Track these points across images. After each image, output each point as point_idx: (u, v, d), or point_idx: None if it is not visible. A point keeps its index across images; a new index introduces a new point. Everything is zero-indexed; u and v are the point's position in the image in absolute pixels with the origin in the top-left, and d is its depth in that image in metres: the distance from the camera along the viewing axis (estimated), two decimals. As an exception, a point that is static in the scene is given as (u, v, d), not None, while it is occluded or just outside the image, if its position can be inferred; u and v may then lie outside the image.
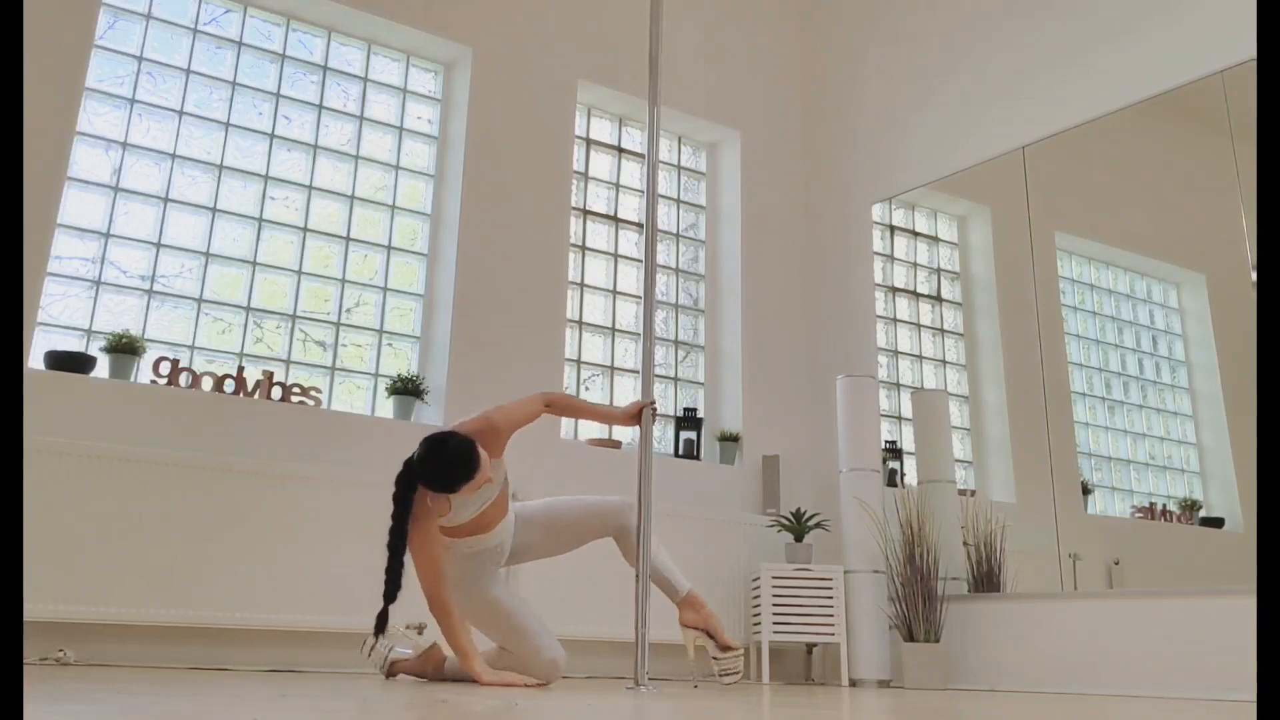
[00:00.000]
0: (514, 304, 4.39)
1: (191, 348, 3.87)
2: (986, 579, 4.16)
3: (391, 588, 2.66)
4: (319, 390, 3.94)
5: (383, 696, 2.10)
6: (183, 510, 3.36)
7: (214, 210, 4.00)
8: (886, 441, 4.73)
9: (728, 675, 2.98)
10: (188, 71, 4.06)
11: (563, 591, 4.01)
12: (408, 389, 4.07)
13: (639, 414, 3.00)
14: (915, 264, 4.95)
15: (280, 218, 4.16)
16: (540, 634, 2.88)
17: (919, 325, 4.86)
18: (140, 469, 3.33)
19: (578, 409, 3.20)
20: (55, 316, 3.64)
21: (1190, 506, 3.73)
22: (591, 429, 4.67)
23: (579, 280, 4.81)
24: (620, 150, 5.13)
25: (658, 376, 4.95)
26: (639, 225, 5.03)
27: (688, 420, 4.84)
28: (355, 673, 3.49)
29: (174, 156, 3.96)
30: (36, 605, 3.06)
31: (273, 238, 4.13)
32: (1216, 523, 3.64)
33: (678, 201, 5.30)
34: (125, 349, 3.57)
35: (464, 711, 1.72)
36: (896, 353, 4.88)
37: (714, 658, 2.99)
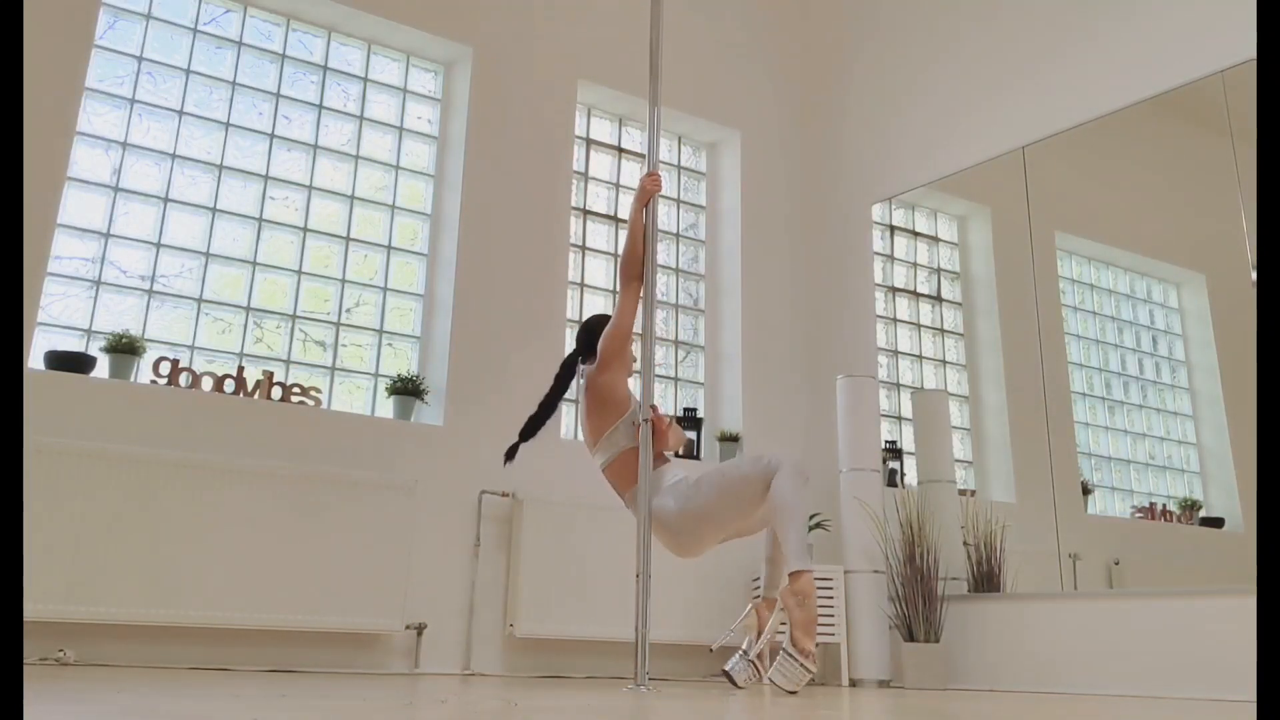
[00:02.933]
0: (514, 304, 4.39)
1: (191, 348, 3.87)
2: (986, 579, 4.16)
3: (529, 429, 3.04)
4: (319, 390, 3.94)
5: (382, 696, 2.10)
6: (183, 510, 3.36)
7: (214, 210, 4.00)
8: (886, 441, 4.73)
9: (783, 677, 2.79)
10: (188, 71, 4.06)
11: (563, 591, 4.02)
12: (408, 389, 4.07)
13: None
14: (915, 264, 4.95)
15: (280, 218, 4.16)
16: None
17: (919, 325, 4.86)
18: (140, 469, 3.33)
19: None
20: (55, 316, 3.64)
21: (1190, 506, 3.73)
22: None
23: (579, 280, 4.81)
24: (620, 150, 5.13)
25: (658, 376, 4.94)
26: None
27: (688, 420, 4.84)
28: (354, 673, 3.49)
29: (174, 156, 3.96)
30: (36, 605, 3.06)
31: (273, 238, 4.13)
32: (1216, 523, 3.64)
33: (678, 201, 5.30)
34: (125, 349, 3.57)
35: (464, 711, 1.72)
36: (896, 353, 4.88)
37: (784, 649, 2.82)
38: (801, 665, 2.74)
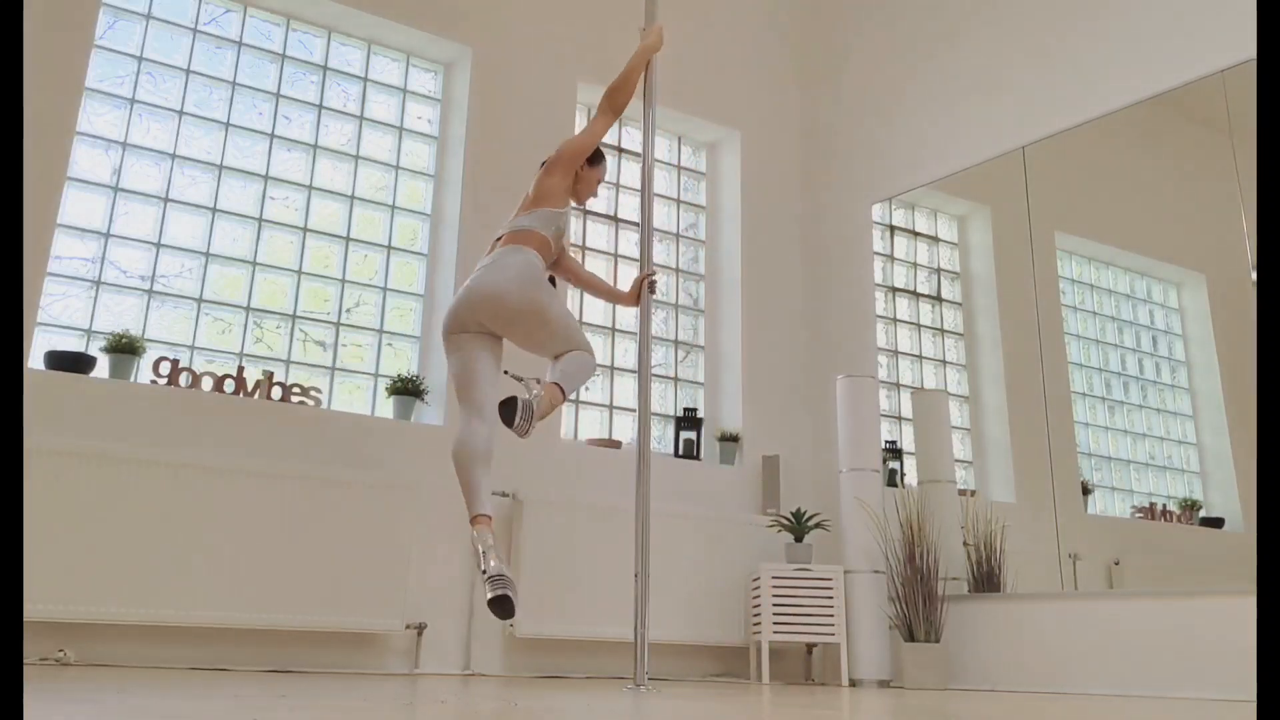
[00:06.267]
0: (514, 304, 4.38)
1: (191, 348, 3.87)
2: (986, 579, 4.16)
3: None
4: (319, 390, 3.94)
5: (382, 697, 2.10)
6: (183, 510, 3.36)
7: (214, 210, 4.00)
8: (886, 441, 4.73)
9: (520, 419, 2.90)
10: (188, 71, 4.06)
11: (563, 591, 4.01)
12: (408, 389, 4.07)
13: (638, 291, 3.21)
14: (915, 264, 4.95)
15: (280, 218, 4.16)
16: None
17: (919, 325, 4.86)
18: (140, 469, 3.33)
19: (577, 274, 3.41)
20: (55, 316, 3.64)
21: (1190, 506, 3.73)
22: (592, 429, 4.67)
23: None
24: (620, 150, 5.13)
25: (657, 376, 4.95)
26: (639, 225, 5.03)
27: (688, 420, 4.84)
28: (354, 673, 3.49)
29: (174, 156, 3.96)
30: (36, 605, 3.06)
31: (273, 238, 4.13)
32: (1216, 523, 3.64)
33: (678, 201, 5.30)
34: (125, 349, 3.57)
35: (464, 712, 1.72)
36: (896, 353, 4.88)
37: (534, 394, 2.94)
38: (534, 401, 2.89)
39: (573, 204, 3.33)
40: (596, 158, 3.29)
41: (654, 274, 3.22)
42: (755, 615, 4.26)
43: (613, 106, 3.22)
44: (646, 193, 3.15)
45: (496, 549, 2.80)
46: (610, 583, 4.08)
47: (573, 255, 3.37)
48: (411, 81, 4.61)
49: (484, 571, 2.74)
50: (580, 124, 5.01)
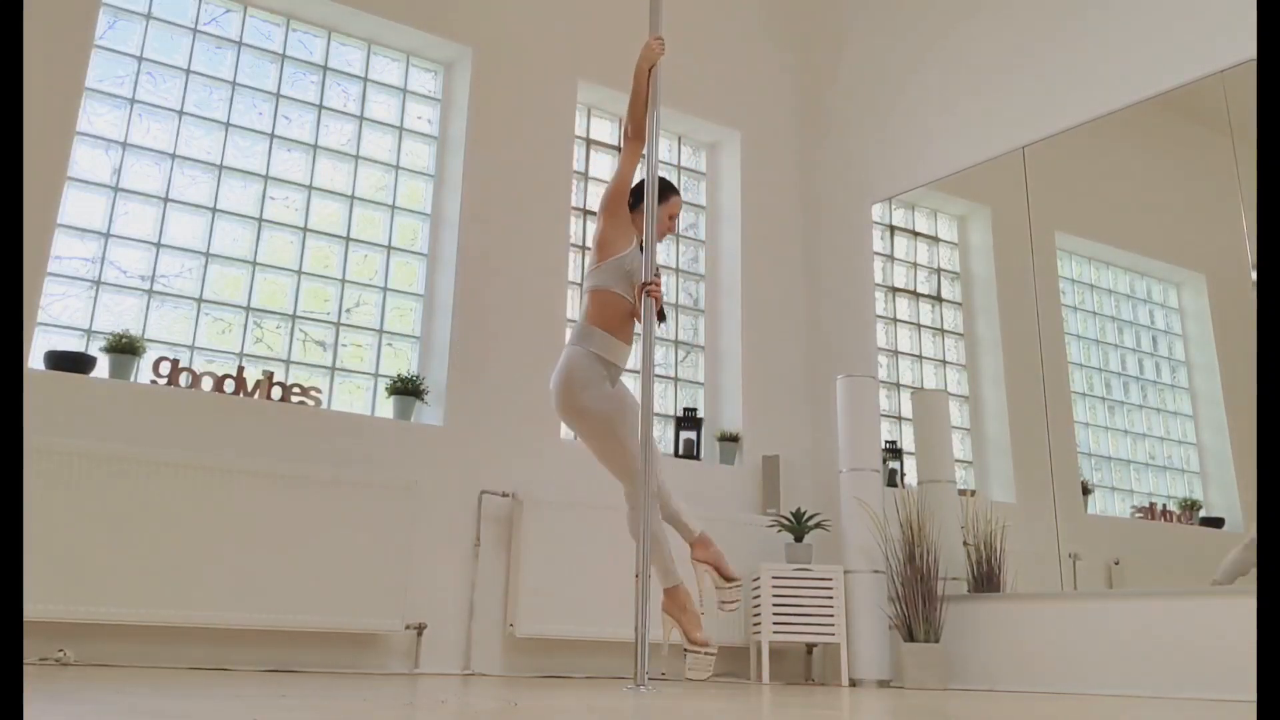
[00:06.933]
0: (514, 304, 4.39)
1: (191, 348, 3.87)
2: (986, 579, 4.16)
3: None
4: (319, 390, 3.94)
5: (383, 697, 2.10)
6: (183, 510, 3.36)
7: (214, 210, 4.00)
8: (886, 441, 4.73)
9: (728, 605, 2.93)
10: (188, 71, 4.06)
11: (563, 591, 4.01)
12: (408, 389, 4.07)
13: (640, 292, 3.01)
14: (915, 264, 4.95)
15: (280, 218, 4.16)
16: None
17: (919, 325, 4.86)
18: (140, 469, 3.33)
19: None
20: (55, 316, 3.63)
21: (1190, 506, 3.73)
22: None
23: (579, 280, 4.81)
24: (620, 150, 5.13)
25: (658, 376, 4.94)
26: (639, 225, 5.02)
27: (688, 420, 4.84)
28: (355, 673, 3.49)
29: (174, 156, 3.96)
30: (36, 605, 3.06)
31: (273, 238, 4.13)
32: (1216, 523, 3.64)
33: (678, 201, 5.29)
34: (125, 349, 3.57)
35: (464, 711, 1.72)
36: (896, 353, 4.88)
37: (717, 587, 2.93)
38: (704, 654, 2.84)
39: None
40: (665, 192, 3.16)
41: (658, 280, 3.03)
42: (755, 615, 4.26)
43: (633, 132, 3.18)
44: (651, 198, 3.12)
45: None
46: (610, 583, 4.07)
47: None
48: (411, 81, 4.61)
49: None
50: (580, 125, 5.01)
